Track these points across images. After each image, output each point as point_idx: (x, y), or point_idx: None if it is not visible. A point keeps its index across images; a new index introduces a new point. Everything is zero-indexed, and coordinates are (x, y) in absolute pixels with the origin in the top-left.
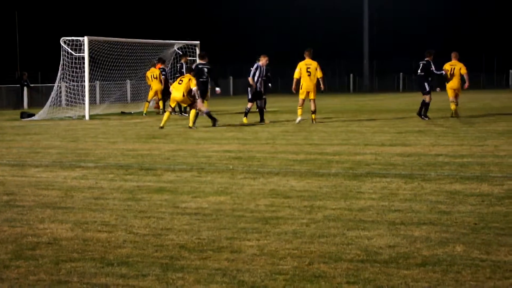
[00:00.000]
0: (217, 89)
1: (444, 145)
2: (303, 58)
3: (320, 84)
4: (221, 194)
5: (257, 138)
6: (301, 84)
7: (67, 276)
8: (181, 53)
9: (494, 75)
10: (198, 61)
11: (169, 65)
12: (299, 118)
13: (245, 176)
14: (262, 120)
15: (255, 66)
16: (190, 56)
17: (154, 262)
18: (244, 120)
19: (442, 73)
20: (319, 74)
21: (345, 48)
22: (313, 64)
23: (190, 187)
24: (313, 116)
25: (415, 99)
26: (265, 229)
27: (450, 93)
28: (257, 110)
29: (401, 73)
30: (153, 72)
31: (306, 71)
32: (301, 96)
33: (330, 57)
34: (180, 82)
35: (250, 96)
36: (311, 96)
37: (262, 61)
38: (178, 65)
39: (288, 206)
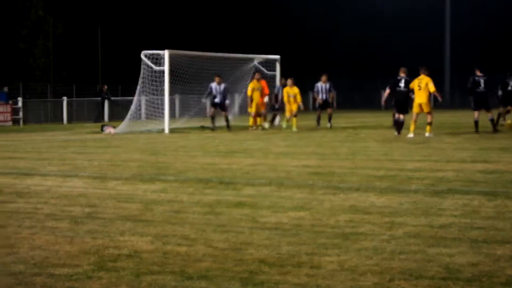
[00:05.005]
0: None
1: None
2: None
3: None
4: (300, 209)
5: (336, 153)
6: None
7: None
8: (261, 67)
9: None
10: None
11: (249, 79)
12: (411, 135)
13: (324, 192)
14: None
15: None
16: (270, 71)
17: (234, 276)
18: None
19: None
20: (431, 88)
21: (426, 61)
22: (424, 80)
23: (270, 202)
24: (428, 127)
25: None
26: (345, 245)
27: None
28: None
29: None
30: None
31: (418, 86)
32: (415, 110)
33: (410, 71)
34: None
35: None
36: (425, 109)
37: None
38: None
39: (368, 222)
